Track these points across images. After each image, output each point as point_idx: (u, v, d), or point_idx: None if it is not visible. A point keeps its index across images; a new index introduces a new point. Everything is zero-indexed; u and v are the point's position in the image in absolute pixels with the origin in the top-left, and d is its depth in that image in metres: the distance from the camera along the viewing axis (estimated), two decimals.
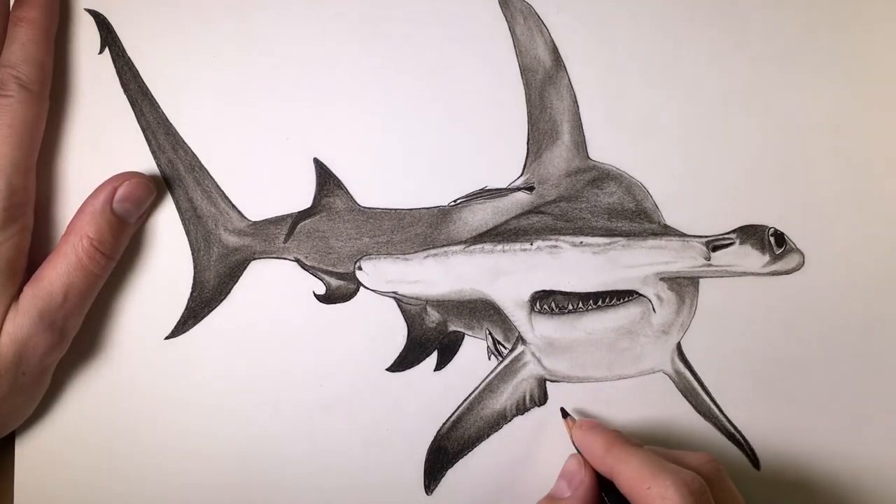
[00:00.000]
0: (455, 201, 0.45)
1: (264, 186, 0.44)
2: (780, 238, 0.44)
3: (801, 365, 0.44)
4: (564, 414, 0.44)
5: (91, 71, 0.44)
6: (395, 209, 0.44)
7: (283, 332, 0.44)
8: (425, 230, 0.44)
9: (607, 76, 0.45)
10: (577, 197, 0.45)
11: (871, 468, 0.44)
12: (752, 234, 0.44)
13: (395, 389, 0.44)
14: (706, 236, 0.44)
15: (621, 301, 0.44)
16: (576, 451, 0.42)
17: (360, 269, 0.44)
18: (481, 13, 0.45)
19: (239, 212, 0.44)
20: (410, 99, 0.45)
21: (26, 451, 0.43)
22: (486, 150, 0.45)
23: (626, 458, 0.38)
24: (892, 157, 0.45)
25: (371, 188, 0.44)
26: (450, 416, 0.44)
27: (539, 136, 0.45)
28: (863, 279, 0.45)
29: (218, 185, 0.44)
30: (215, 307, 0.44)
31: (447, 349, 0.44)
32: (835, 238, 0.45)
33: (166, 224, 0.44)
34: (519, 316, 0.44)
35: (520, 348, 0.44)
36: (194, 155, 0.44)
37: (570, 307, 0.44)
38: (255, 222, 0.44)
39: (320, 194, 0.44)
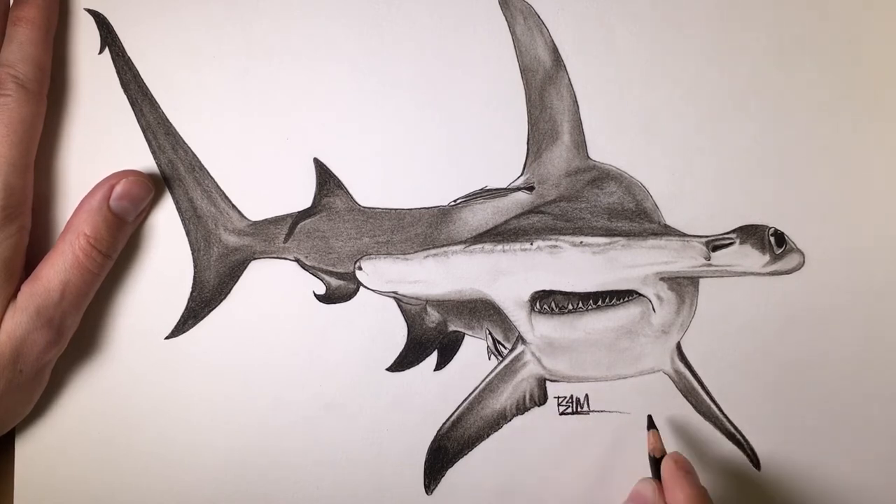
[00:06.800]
0: (455, 201, 0.45)
1: (264, 186, 0.44)
2: (780, 238, 0.44)
3: (802, 365, 0.44)
4: (651, 424, 0.42)
5: (91, 71, 0.44)
6: (395, 209, 0.44)
7: (283, 331, 0.44)
8: (425, 230, 0.44)
9: (607, 76, 0.45)
10: (577, 197, 0.45)
11: (871, 468, 0.44)
12: (752, 234, 0.44)
13: (395, 389, 0.44)
14: (706, 236, 0.44)
15: (621, 301, 0.44)
16: (650, 477, 0.40)
17: (360, 269, 0.44)
18: (481, 13, 0.45)
19: (239, 212, 0.44)
20: (410, 99, 0.45)
21: (26, 450, 0.43)
22: (486, 150, 0.45)
23: None
24: (891, 157, 0.45)
25: (371, 188, 0.44)
26: (450, 416, 0.44)
27: (539, 136, 0.45)
28: (863, 279, 0.45)
29: (218, 185, 0.44)
30: (215, 307, 0.44)
31: (447, 349, 0.44)
32: (835, 238, 0.45)
33: (166, 224, 0.44)
34: (519, 316, 0.44)
35: (520, 348, 0.44)
36: (194, 155, 0.44)
37: (570, 307, 0.44)
38: (255, 222, 0.44)
39: (320, 194, 0.44)
